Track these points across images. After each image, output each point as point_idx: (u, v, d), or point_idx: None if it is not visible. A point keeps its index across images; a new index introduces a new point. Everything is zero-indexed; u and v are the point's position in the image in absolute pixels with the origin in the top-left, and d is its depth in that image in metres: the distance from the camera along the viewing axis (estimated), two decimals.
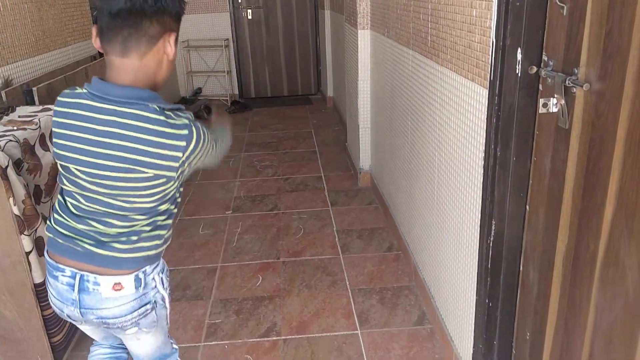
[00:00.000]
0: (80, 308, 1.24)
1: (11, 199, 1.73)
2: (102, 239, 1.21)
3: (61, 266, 1.24)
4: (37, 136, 1.96)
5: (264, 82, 6.59)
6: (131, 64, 1.13)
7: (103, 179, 1.15)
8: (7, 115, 2.14)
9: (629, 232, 1.07)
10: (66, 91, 1.20)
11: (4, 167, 1.71)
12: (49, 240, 1.28)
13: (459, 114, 1.77)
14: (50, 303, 1.33)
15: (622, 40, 1.05)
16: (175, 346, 1.54)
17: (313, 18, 6.35)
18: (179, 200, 1.30)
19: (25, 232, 1.80)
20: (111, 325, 1.28)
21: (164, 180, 1.17)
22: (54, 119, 1.18)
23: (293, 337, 2.24)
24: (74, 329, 2.12)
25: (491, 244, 1.57)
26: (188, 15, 6.10)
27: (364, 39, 3.44)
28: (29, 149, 1.88)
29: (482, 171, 1.58)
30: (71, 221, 1.23)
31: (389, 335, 2.21)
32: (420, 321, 2.29)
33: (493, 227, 1.55)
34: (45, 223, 1.92)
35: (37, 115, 2.08)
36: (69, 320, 1.32)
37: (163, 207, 1.24)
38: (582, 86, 1.18)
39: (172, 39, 1.17)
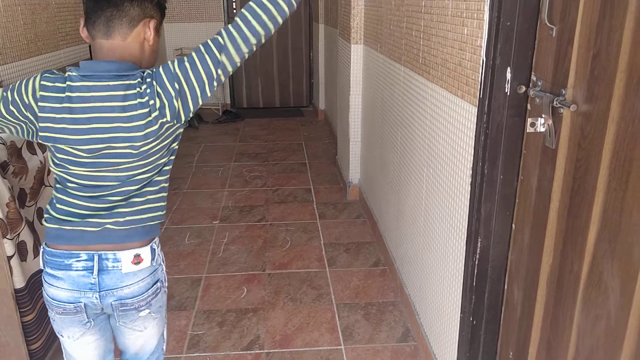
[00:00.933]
0: (99, 291, 1.25)
1: None
2: (116, 208, 1.23)
3: (74, 252, 1.23)
4: (24, 139, 1.94)
5: (256, 92, 6.60)
6: (116, 44, 1.20)
7: (104, 150, 1.18)
8: None
9: (612, 254, 1.07)
10: (49, 76, 1.19)
11: None
12: (52, 233, 1.25)
13: (448, 130, 1.78)
14: (52, 309, 1.30)
15: (609, 63, 1.06)
16: (164, 347, 1.52)
17: (307, 31, 6.39)
18: (175, 149, 1.30)
19: (8, 236, 1.77)
20: (128, 307, 1.29)
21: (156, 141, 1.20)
22: (42, 104, 1.17)
23: (276, 350, 2.21)
24: (53, 336, 2.08)
25: (476, 262, 1.57)
26: (183, 24, 6.13)
27: (357, 53, 3.46)
28: (15, 152, 1.86)
29: (470, 188, 1.58)
30: (81, 202, 1.23)
31: (373, 351, 2.20)
32: (404, 338, 2.28)
33: (479, 245, 1.55)
34: (29, 227, 1.90)
35: None
36: (79, 315, 1.29)
37: (163, 161, 1.26)
38: (569, 107, 1.19)
39: (152, 24, 1.23)
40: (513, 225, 1.51)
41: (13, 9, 2.60)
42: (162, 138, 1.21)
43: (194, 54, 1.18)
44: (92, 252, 1.23)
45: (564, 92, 1.22)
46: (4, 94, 1.21)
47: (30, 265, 1.91)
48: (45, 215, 1.27)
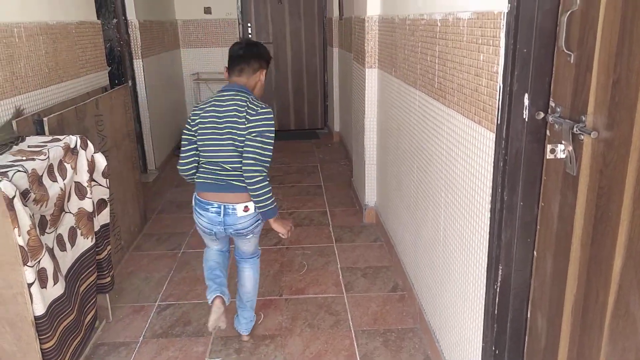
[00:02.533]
0: (224, 226, 2.16)
1: (16, 230, 1.73)
2: (229, 174, 2.12)
3: (211, 201, 2.14)
4: (45, 167, 1.97)
5: None
6: (243, 81, 2.17)
7: (225, 133, 2.07)
8: (16, 144, 2.15)
9: (639, 285, 1.05)
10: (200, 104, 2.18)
11: (10, 197, 1.71)
12: (198, 185, 2.18)
13: (466, 156, 1.77)
14: (199, 228, 2.26)
15: (630, 90, 1.06)
16: (259, 249, 2.45)
17: (321, 55, 6.45)
18: None
19: (29, 264, 1.79)
20: (240, 233, 2.20)
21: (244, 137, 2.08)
22: (197, 112, 2.14)
23: None
24: None
25: (498, 289, 1.54)
26: (200, 49, 6.23)
27: (372, 77, 3.48)
28: (36, 180, 1.89)
29: (489, 215, 1.56)
30: (209, 167, 2.14)
31: None
32: None
33: (500, 272, 1.53)
34: (49, 254, 1.92)
35: (46, 146, 2.09)
36: (212, 235, 2.25)
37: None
38: (589, 134, 1.18)
39: (263, 72, 2.23)
40: (535, 253, 1.49)
41: (35, 39, 2.67)
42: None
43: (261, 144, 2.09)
44: (220, 202, 2.12)
45: (584, 118, 1.21)
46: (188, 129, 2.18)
47: (50, 291, 1.92)
48: (196, 175, 2.20)
